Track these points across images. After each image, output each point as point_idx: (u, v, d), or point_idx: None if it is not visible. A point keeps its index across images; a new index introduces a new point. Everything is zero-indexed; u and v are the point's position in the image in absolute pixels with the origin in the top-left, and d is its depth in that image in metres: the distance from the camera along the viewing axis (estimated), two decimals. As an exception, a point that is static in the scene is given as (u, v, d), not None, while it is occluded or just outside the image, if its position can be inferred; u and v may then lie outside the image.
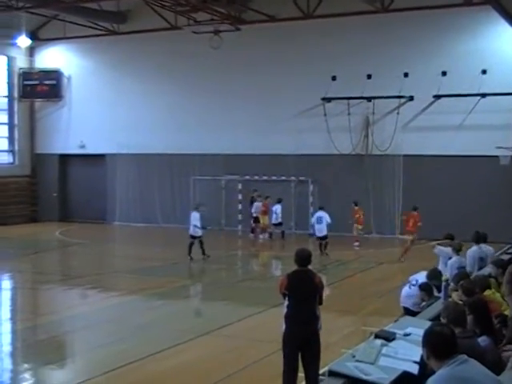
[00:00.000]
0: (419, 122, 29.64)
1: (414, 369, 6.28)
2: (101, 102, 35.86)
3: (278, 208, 29.05)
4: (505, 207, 27.53)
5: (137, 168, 35.36)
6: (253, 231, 30.23)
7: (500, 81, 27.71)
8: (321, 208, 26.56)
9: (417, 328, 6.93)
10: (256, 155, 31.96)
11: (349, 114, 30.34)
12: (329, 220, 25.48)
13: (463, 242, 14.25)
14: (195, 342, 13.13)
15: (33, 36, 35.78)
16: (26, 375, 11.68)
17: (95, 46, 35.91)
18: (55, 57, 37.41)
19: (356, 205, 27.44)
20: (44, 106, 38.08)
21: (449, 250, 14.14)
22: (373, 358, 6.63)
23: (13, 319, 16.10)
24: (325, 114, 30.70)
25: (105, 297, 18.14)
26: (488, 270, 11.28)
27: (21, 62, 37.37)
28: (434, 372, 4.90)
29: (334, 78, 30.41)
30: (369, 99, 29.94)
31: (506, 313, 7.69)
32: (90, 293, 18.80)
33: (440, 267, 13.77)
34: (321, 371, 8.90)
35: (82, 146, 36.70)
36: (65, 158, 37.79)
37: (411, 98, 29.58)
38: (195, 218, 23.88)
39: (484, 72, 28.06)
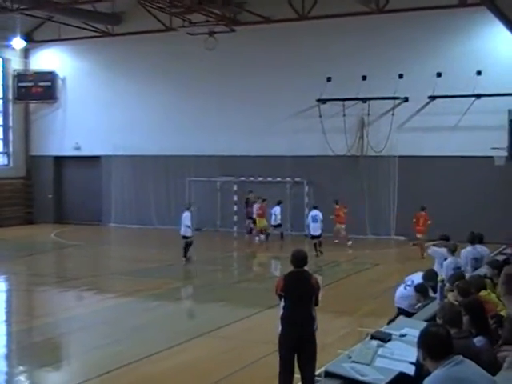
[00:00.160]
0: (414, 123, 29.67)
1: (410, 370, 6.28)
2: (96, 103, 35.83)
3: (277, 210, 29.04)
4: (500, 208, 27.58)
5: (132, 169, 35.33)
6: (250, 232, 30.31)
7: (495, 82, 27.74)
8: (315, 207, 26.76)
9: (413, 329, 6.93)
10: (251, 156, 31.97)
11: (344, 115, 30.36)
12: (322, 218, 25.88)
13: (459, 242, 14.28)
14: (191, 343, 13.13)
15: (27, 38, 35.73)
16: (21, 377, 11.66)
17: (90, 48, 35.87)
18: (50, 58, 37.36)
19: (337, 203, 27.55)
20: (39, 107, 38.03)
21: (444, 250, 14.15)
22: (369, 358, 6.63)
23: (8, 321, 16.08)
24: (320, 116, 30.72)
25: (100, 299, 18.12)
26: (483, 270, 11.30)
27: (15, 64, 37.32)
28: (430, 373, 4.91)
29: (329, 79, 30.44)
30: (364, 100, 29.96)
31: (502, 313, 7.69)
32: (86, 295, 18.78)
33: (436, 268, 13.78)
34: (317, 372, 8.90)
35: (77, 148, 36.66)
36: (60, 160, 37.75)
37: (406, 99, 29.61)
38: (187, 218, 23.92)
39: (479, 73, 28.11)
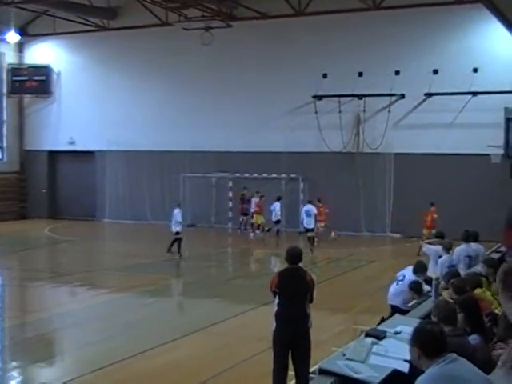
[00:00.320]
0: (410, 120, 29.70)
1: (405, 367, 6.30)
2: (91, 98, 35.78)
3: (277, 206, 29.09)
4: (496, 206, 27.53)
5: (126, 165, 35.29)
6: (246, 228, 30.56)
7: (491, 79, 27.77)
8: (309, 201, 26.96)
9: (407, 326, 6.95)
10: (247, 152, 31.95)
11: (340, 111, 30.37)
12: (316, 212, 26.16)
13: (455, 240, 14.30)
14: (185, 339, 13.13)
15: (22, 31, 35.66)
16: (14, 373, 11.64)
17: (85, 42, 35.81)
18: (44, 52, 37.28)
19: (319, 201, 27.63)
20: (33, 102, 37.96)
21: (438, 248, 14.17)
22: (363, 356, 6.64)
23: (0, 316, 16.05)
24: (316, 112, 30.73)
25: (94, 294, 18.11)
26: (479, 268, 11.32)
27: (10, 58, 37.24)
28: (423, 371, 4.91)
29: (325, 76, 30.41)
30: (360, 97, 29.98)
31: (497, 311, 7.72)
32: (80, 290, 18.76)
33: (430, 266, 13.79)
34: (311, 369, 8.90)
35: (72, 143, 36.61)
36: (54, 155, 37.70)
37: (402, 96, 29.63)
38: (179, 214, 24.07)
39: (475, 70, 28.13)
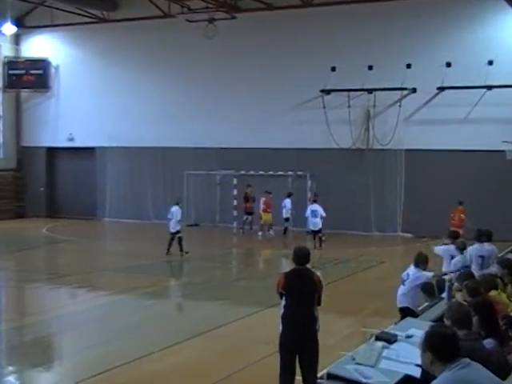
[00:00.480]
0: (422, 115, 29.63)
1: (417, 372, 6.27)
2: (90, 92, 35.81)
3: (288, 202, 29.15)
4: None
5: (128, 162, 35.32)
6: (251, 227, 30.72)
7: (507, 72, 27.69)
8: (314, 201, 26.91)
9: (419, 330, 6.92)
10: (252, 149, 31.94)
11: (349, 106, 30.32)
12: (323, 214, 26.12)
13: (469, 240, 14.26)
14: (188, 343, 13.11)
15: (18, 23, 35.69)
16: (11, 378, 11.63)
17: (84, 35, 35.83)
18: (42, 45, 37.32)
19: (315, 201, 27.53)
20: (30, 96, 38.01)
21: (451, 247, 14.14)
22: (373, 360, 6.62)
23: (-3, 319, 16.06)
24: (324, 107, 30.68)
25: (94, 296, 18.12)
26: (493, 269, 11.28)
27: (6, 51, 37.27)
28: (435, 376, 4.88)
29: (333, 69, 30.35)
30: (370, 91, 29.91)
31: (513, 314, 7.68)
32: (79, 292, 18.78)
33: (444, 267, 13.77)
34: (319, 374, 8.87)
35: (71, 139, 36.66)
36: (53, 151, 37.75)
37: (414, 90, 29.56)
38: (179, 212, 24.37)
39: (490, 63, 28.01)
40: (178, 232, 24.19)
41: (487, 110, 28.14)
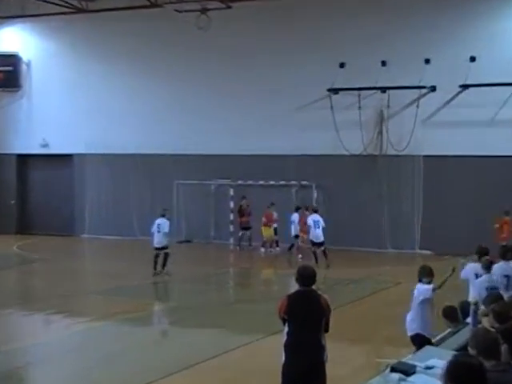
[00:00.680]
0: (443, 117, 29.67)
1: (438, 408, 6.25)
2: (66, 92, 35.84)
3: (296, 217, 29.08)
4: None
5: (109, 170, 35.33)
6: (250, 243, 30.79)
7: (538, 68, 27.78)
8: (315, 211, 26.94)
9: (441, 360, 6.90)
10: (251, 156, 31.94)
11: (359, 107, 30.36)
12: (323, 224, 26.20)
13: (493, 257, 14.23)
14: (177, 376, 13.05)
15: (-14, 14, 35.78)
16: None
17: (60, 27, 35.88)
18: (12, 38, 37.38)
19: (307, 209, 27.69)
20: (-1, 96, 38.08)
21: (477, 266, 14.05)
22: (389, 394, 6.61)
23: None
24: (331, 108, 30.73)
25: (70, 323, 18.10)
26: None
27: (-29, 45, 37.34)
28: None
29: (342, 66, 30.43)
30: (383, 90, 29.98)
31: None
32: (54, 318, 18.75)
33: (471, 291, 13.63)
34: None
35: (45, 145, 36.65)
36: (24, 159, 37.74)
37: (433, 89, 29.61)
38: (166, 225, 24.34)
39: (520, 57, 28.15)
40: (164, 248, 24.15)
41: (517, 111, 28.24)
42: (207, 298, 22.46)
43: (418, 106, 29.84)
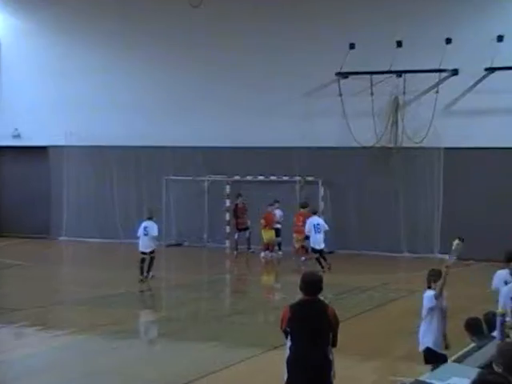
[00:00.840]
0: (466, 105, 29.68)
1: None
2: (42, 76, 35.80)
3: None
4: None
5: (91, 165, 35.33)
6: (249, 247, 30.78)
7: None
8: (314, 213, 26.99)
9: (463, 378, 6.93)
10: (249, 148, 31.94)
11: (372, 93, 30.36)
12: (326, 227, 26.31)
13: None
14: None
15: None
16: None
17: (35, 2, 35.85)
18: (-19, 17, 37.43)
19: (303, 207, 27.73)
20: (-34, 82, 38.07)
21: (505, 273, 14.05)
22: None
23: None
24: (340, 95, 30.73)
25: (48, 336, 18.08)
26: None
27: None
28: None
29: (352, 47, 30.40)
30: (399, 74, 29.98)
31: None
32: (29, 331, 18.73)
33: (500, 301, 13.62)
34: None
35: (17, 136, 36.62)
36: (-6, 152, 37.80)
37: (455, 72, 29.62)
38: (154, 227, 24.61)
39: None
40: (151, 252, 24.33)
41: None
42: (200, 308, 22.51)
43: (437, 92, 29.82)
